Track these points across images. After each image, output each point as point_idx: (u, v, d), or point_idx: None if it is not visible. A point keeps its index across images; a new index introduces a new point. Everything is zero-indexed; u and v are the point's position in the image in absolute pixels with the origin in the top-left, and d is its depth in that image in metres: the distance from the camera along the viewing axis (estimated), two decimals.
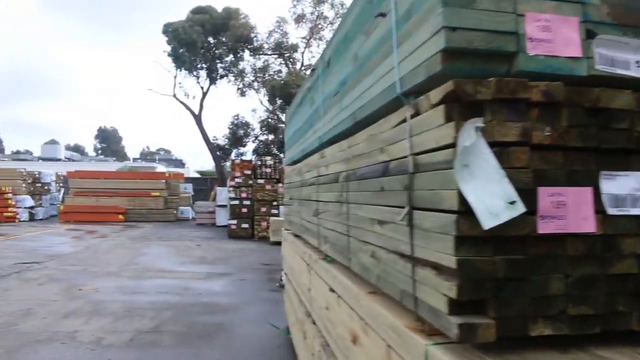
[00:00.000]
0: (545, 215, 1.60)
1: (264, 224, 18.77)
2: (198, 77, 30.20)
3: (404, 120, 2.01)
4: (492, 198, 1.52)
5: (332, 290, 3.46)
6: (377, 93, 2.43)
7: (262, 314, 7.85)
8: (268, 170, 19.24)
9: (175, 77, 30.34)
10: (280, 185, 19.02)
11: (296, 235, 5.86)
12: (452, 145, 1.60)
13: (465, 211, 1.56)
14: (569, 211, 1.62)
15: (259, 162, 19.50)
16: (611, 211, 1.66)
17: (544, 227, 1.60)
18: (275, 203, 19.00)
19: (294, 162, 5.93)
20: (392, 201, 2.18)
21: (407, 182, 1.96)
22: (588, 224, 1.64)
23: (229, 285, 10.12)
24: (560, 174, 1.65)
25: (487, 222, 1.51)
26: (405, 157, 2.01)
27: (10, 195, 24.92)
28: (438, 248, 1.69)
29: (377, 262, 2.43)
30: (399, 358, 2.13)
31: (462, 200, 1.56)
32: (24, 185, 26.16)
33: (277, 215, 18.50)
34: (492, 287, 1.61)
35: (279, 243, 16.18)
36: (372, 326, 2.51)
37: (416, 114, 1.89)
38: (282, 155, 26.15)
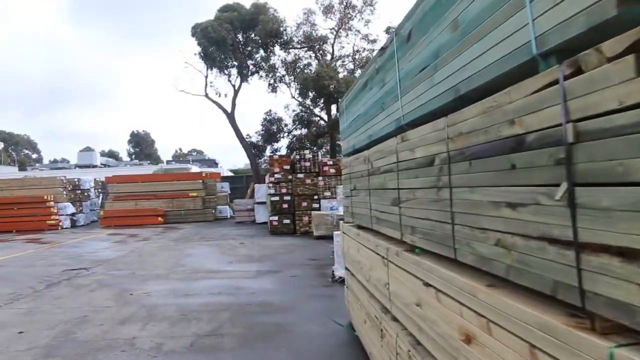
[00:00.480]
0: None
1: (305, 218, 18.58)
2: (229, 75, 30.08)
3: (550, 84, 1.72)
4: None
5: (427, 284, 3.19)
6: (495, 60, 2.14)
7: (319, 311, 7.62)
8: (307, 164, 19.01)
9: (206, 76, 30.29)
10: (320, 178, 18.77)
11: (361, 227, 5.59)
12: None
13: None
14: None
15: (297, 157, 19.27)
16: None
17: None
18: (316, 197, 18.78)
19: (356, 151, 5.66)
20: (533, 179, 1.89)
21: (563, 154, 1.66)
22: None
23: (281, 282, 9.92)
24: None
25: None
26: (554, 126, 1.72)
27: (52, 203, 25.28)
28: (629, 229, 1.40)
29: (507, 251, 2.14)
30: (547, 357, 1.85)
31: None
32: (64, 192, 26.48)
33: (318, 209, 18.28)
34: None
35: (322, 237, 16.17)
36: (501, 323, 2.22)
37: (575, 73, 1.59)
38: (314, 148, 25.95)
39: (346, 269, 6.80)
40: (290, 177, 19.08)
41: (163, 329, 6.88)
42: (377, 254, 4.57)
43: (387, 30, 26.14)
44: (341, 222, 7.28)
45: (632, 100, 1.35)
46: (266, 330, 6.73)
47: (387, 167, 4.08)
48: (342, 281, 8.92)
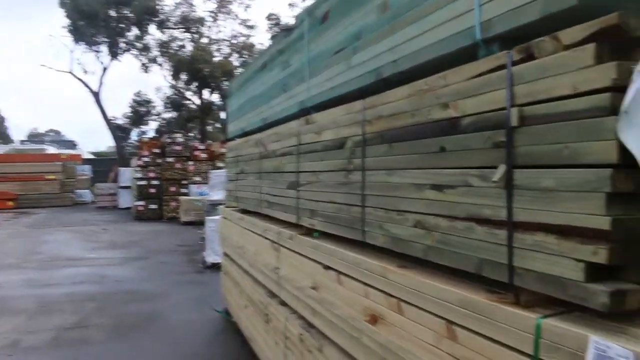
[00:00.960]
0: None
1: (173, 204, 18.00)
2: (98, 52, 28.24)
3: (495, 69, 1.79)
4: None
5: (327, 267, 3.20)
6: (429, 44, 2.19)
7: (192, 298, 7.42)
8: (178, 148, 18.41)
9: (72, 51, 28.20)
10: (191, 163, 18.28)
11: (246, 212, 5.50)
12: (606, 90, 1.39)
13: (618, 164, 1.37)
14: None
15: (168, 140, 18.60)
16: None
17: None
18: (185, 182, 18.25)
19: (246, 134, 5.56)
20: (465, 162, 1.96)
21: (503, 138, 1.74)
22: None
23: (149, 269, 9.50)
24: None
25: None
26: (494, 110, 1.79)
27: None
28: (570, 208, 1.49)
29: (427, 232, 2.20)
30: (471, 334, 1.93)
31: (620, 152, 1.36)
32: None
33: (187, 194, 17.79)
34: (637, 248, 1.43)
35: (191, 223, 15.75)
36: (414, 302, 2.28)
37: (525, 59, 1.66)
38: (183, 132, 25.20)
39: (224, 254, 6.66)
40: (159, 160, 18.36)
41: (20, 323, 6.23)
42: (266, 238, 4.52)
43: (269, 17, 26.06)
44: (220, 206, 7.13)
45: (587, 87, 1.44)
46: (137, 320, 6.39)
47: (286, 150, 4.04)
48: (214, 267, 8.75)
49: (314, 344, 3.47)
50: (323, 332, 3.37)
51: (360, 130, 2.79)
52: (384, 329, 2.54)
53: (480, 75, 1.87)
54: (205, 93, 27.03)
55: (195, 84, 26.52)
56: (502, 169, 1.73)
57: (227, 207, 6.52)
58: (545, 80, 1.58)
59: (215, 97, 28.25)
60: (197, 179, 18.11)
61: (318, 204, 3.40)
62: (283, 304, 4.21)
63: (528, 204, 1.65)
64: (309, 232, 3.65)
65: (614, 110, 1.37)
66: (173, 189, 18.28)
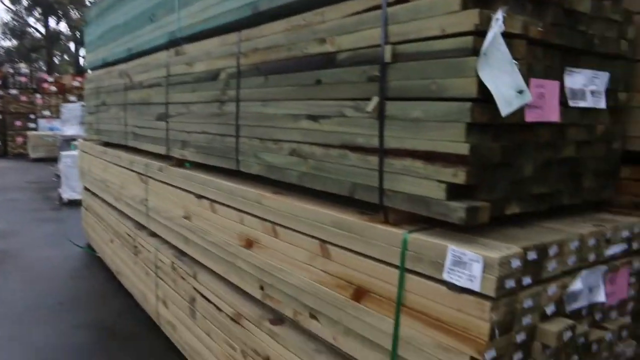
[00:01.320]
0: (531, 104, 1.71)
1: (20, 139, 16.56)
2: None
3: (372, 9, 1.92)
4: (505, 86, 1.57)
5: (200, 197, 3.26)
6: None
7: (50, 235, 7.06)
8: (23, 79, 16.77)
9: None
10: (38, 96, 16.77)
11: (109, 144, 5.30)
12: (469, 33, 1.58)
13: (477, 99, 1.59)
14: (545, 102, 1.77)
15: (11, 70, 16.82)
16: (571, 103, 1.86)
17: (530, 116, 1.73)
18: (32, 116, 16.77)
19: (107, 65, 5.26)
20: (340, 94, 2.10)
21: (377, 72, 1.90)
22: (555, 114, 1.82)
23: None
24: (540, 67, 1.78)
25: (504, 109, 1.57)
26: (370, 47, 1.94)
27: None
28: (436, 136, 1.70)
29: (302, 160, 2.35)
30: (344, 251, 2.14)
31: (479, 88, 1.58)
32: None
33: (35, 129, 16.42)
34: (488, 172, 1.69)
35: (41, 159, 14.66)
36: (289, 225, 2.45)
37: (400, 1, 1.81)
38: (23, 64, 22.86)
39: (85, 189, 6.38)
40: (0, 92, 16.65)
41: None
42: (133, 170, 4.43)
43: None
44: (75, 142, 6.76)
45: (453, 30, 1.62)
46: None
47: (154, 81, 3.93)
48: (71, 204, 8.34)
49: (187, 271, 3.56)
50: (197, 259, 3.47)
51: (235, 62, 2.82)
52: (259, 252, 2.70)
53: (357, 13, 2.00)
54: (52, 21, 24.48)
55: (38, 10, 23.86)
56: (375, 100, 1.89)
57: (86, 140, 6.20)
58: (417, 21, 1.74)
59: (64, 27, 25.85)
60: (47, 113, 16.73)
61: (190, 135, 3.41)
62: (153, 235, 4.22)
63: (398, 133, 1.84)
64: (180, 163, 3.65)
65: (475, 51, 1.57)
66: (19, 123, 16.76)
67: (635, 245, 2.12)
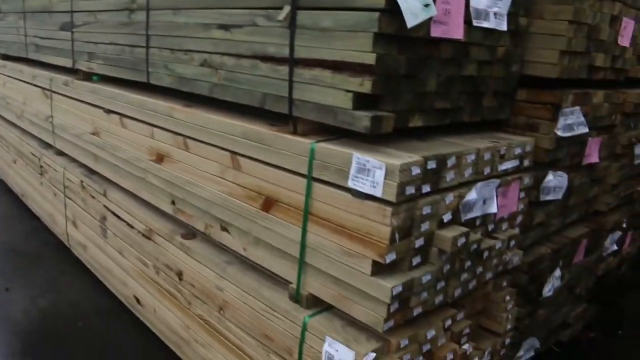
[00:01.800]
0: (436, 20, 1.75)
1: None
2: None
3: None
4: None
5: (110, 111, 3.15)
6: None
7: None
8: None
9: None
10: None
11: (8, 57, 4.94)
12: None
13: (385, 9, 1.60)
14: (450, 19, 1.81)
15: None
16: (475, 23, 1.92)
17: (435, 31, 1.77)
18: None
19: None
20: (251, 2, 2.06)
21: None
22: (459, 32, 1.87)
23: None
24: None
25: (410, 21, 1.60)
26: None
27: None
28: (344, 46, 1.71)
29: (213, 70, 2.31)
30: (254, 162, 2.16)
31: None
32: None
33: None
34: (394, 83, 1.74)
35: None
36: (200, 138, 2.43)
37: None
38: None
39: None
40: None
41: None
42: (36, 85, 4.18)
43: None
44: None
45: None
46: None
47: None
48: None
49: (97, 190, 3.47)
50: (106, 177, 3.39)
51: None
52: (170, 166, 2.67)
53: None
54: None
55: None
56: (286, 9, 1.87)
57: None
58: None
59: None
60: None
61: (97, 46, 3.24)
62: (60, 153, 4.05)
63: (308, 42, 1.84)
64: (87, 76, 3.48)
65: None
66: None
67: (526, 163, 2.27)
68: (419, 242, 1.81)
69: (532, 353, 2.96)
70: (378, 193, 1.68)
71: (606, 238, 3.26)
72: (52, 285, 3.82)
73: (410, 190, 1.69)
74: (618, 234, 3.37)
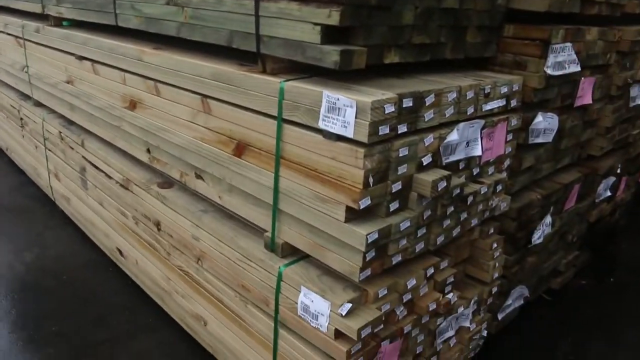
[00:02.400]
0: None
1: None
2: None
3: None
4: None
5: (82, 58, 3.01)
6: None
7: None
8: None
9: None
10: None
11: None
12: None
13: None
14: None
15: None
16: None
17: None
18: None
19: None
20: None
21: None
22: None
23: None
24: None
25: None
26: None
27: None
28: None
29: (179, 9, 2.16)
30: (224, 104, 2.05)
31: None
32: None
33: None
34: (365, 15, 1.60)
35: None
36: (170, 82, 2.31)
37: None
38: None
39: None
40: None
41: None
42: (9, 34, 4.02)
43: None
44: None
45: None
46: None
47: None
48: None
49: (75, 140, 3.37)
50: (83, 127, 3.28)
51: None
52: (143, 113, 2.56)
53: None
54: None
55: None
56: None
57: None
58: None
59: None
60: None
61: None
62: (38, 104, 3.93)
63: None
64: (58, 22, 3.32)
65: None
66: None
67: (513, 103, 2.15)
68: (396, 187, 1.71)
69: (522, 302, 2.91)
70: (349, 133, 1.57)
71: (599, 183, 3.16)
72: (37, 239, 3.77)
73: (384, 130, 1.57)
74: (612, 179, 3.26)
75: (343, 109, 1.57)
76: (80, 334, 2.81)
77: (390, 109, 1.57)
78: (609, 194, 3.30)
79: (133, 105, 2.62)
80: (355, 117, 1.54)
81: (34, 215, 4.11)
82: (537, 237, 2.66)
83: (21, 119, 4.20)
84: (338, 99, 1.58)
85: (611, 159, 3.21)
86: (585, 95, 2.57)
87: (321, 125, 1.64)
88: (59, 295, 3.14)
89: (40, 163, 4.09)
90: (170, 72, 2.27)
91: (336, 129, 1.60)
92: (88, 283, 3.26)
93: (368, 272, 1.73)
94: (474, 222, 2.14)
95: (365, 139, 1.53)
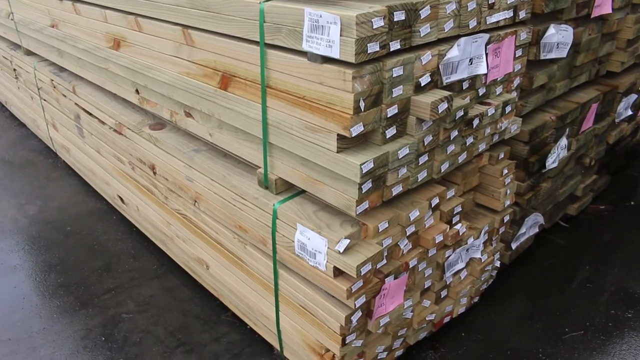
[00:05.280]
0: None
1: None
2: None
3: None
4: None
5: None
6: None
7: None
8: None
9: None
10: None
11: None
12: None
13: None
14: None
15: None
16: None
17: None
18: None
19: None
20: None
21: None
22: None
23: None
24: None
25: None
26: None
27: None
28: None
29: None
30: (205, 34, 1.90)
31: None
32: None
33: None
34: None
35: None
36: (151, 14, 2.16)
37: None
38: None
39: None
40: None
41: None
42: None
43: None
44: None
45: None
46: None
47: None
48: None
49: (66, 87, 3.25)
50: (74, 72, 3.16)
51: None
52: (127, 50, 2.42)
53: None
54: None
55: None
56: None
57: None
58: None
59: None
60: None
61: None
62: (29, 53, 3.80)
63: None
64: None
65: None
66: None
67: (522, 14, 1.95)
68: (392, 111, 1.56)
69: (536, 230, 2.79)
70: (335, 54, 1.41)
71: (619, 102, 2.96)
72: (40, 191, 3.71)
73: (373, 47, 1.42)
74: (633, 97, 3.06)
75: (327, 27, 1.41)
76: (86, 283, 2.77)
77: (379, 23, 1.40)
78: (630, 113, 3.10)
79: (117, 44, 2.47)
80: (340, 35, 1.38)
81: (36, 167, 4.05)
82: (552, 161, 2.50)
83: (14, 69, 4.07)
84: (321, 16, 1.42)
85: (632, 75, 2.99)
86: (604, 4, 2.35)
87: (305, 46, 1.49)
88: (63, 246, 3.09)
89: (38, 114, 4.00)
90: (149, 3, 2.11)
91: (321, 50, 1.45)
92: (92, 232, 3.20)
93: (366, 205, 1.61)
94: (482, 147, 1.99)
95: (352, 59, 1.38)
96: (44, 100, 3.71)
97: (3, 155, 4.25)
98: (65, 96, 3.30)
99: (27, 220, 3.37)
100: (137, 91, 2.50)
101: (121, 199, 3.11)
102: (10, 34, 3.89)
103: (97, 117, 2.99)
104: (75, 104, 3.19)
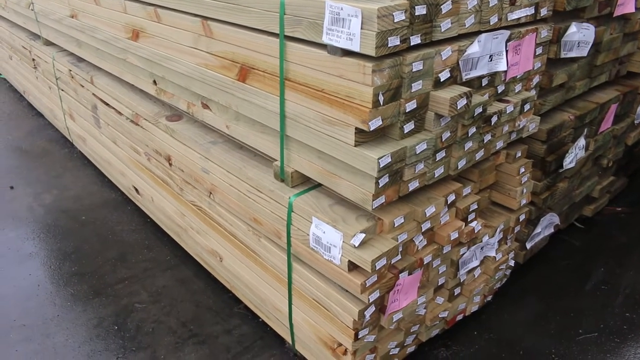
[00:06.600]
0: None
1: None
2: None
3: None
4: None
5: None
6: None
7: None
8: None
9: None
10: None
11: None
12: None
13: None
14: None
15: None
16: None
17: None
18: None
19: None
20: None
21: None
22: None
23: None
24: None
25: None
26: None
27: None
28: None
29: None
30: (225, 26, 1.90)
31: None
32: None
33: None
34: None
35: None
36: (170, 5, 2.17)
37: None
38: None
39: None
40: None
41: None
42: None
43: None
44: None
45: None
46: None
47: None
48: None
49: (84, 77, 3.27)
50: (92, 63, 3.17)
51: None
52: (146, 42, 2.42)
53: None
54: None
55: None
56: None
57: None
58: None
59: None
60: None
61: None
62: (48, 43, 3.83)
63: None
64: None
65: None
66: None
67: (543, 11, 1.93)
68: (411, 106, 1.56)
69: (552, 230, 2.77)
70: (355, 47, 1.41)
71: (639, 103, 2.93)
72: (56, 181, 3.74)
73: (394, 41, 1.41)
74: None
75: (348, 20, 1.40)
76: (100, 273, 2.79)
77: (400, 16, 1.39)
78: None
79: (136, 35, 2.48)
80: (361, 28, 1.37)
81: (52, 157, 4.08)
82: (569, 161, 2.48)
83: (33, 59, 4.10)
84: (342, 9, 1.41)
85: None
86: (627, 3, 2.32)
87: (325, 39, 1.48)
88: (78, 235, 3.12)
89: (56, 104, 4.03)
90: None
91: (341, 43, 1.44)
92: (107, 222, 3.23)
93: (382, 199, 1.61)
94: (499, 144, 1.98)
95: (372, 52, 1.37)
96: (62, 90, 3.73)
97: (20, 144, 4.29)
98: (82, 86, 3.33)
99: (42, 209, 3.40)
100: (154, 82, 2.51)
101: (136, 190, 3.13)
102: (30, 24, 3.92)
103: (114, 108, 3.01)
104: (93, 94, 3.20)
